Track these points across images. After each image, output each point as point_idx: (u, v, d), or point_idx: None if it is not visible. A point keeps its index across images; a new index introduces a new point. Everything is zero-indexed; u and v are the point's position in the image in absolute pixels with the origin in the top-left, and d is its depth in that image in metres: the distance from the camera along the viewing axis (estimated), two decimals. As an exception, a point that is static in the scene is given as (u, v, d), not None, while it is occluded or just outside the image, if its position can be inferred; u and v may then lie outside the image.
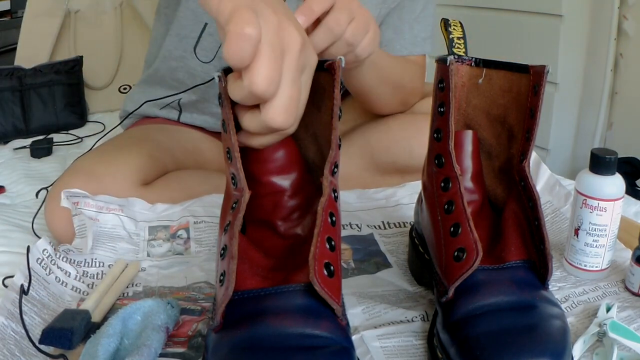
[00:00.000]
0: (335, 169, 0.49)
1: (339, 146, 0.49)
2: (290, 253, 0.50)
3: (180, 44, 0.97)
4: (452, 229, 0.52)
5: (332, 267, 0.45)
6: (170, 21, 0.99)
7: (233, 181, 0.49)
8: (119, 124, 1.06)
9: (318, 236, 0.45)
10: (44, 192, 0.89)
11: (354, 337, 0.55)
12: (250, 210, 0.52)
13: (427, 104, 0.95)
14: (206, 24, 0.94)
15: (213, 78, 0.93)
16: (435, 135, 0.57)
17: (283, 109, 0.44)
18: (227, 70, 0.47)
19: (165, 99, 1.00)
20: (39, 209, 0.81)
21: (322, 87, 0.50)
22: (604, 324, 0.54)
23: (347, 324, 0.48)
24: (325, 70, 0.50)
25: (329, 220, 0.46)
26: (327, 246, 0.46)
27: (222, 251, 0.47)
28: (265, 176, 0.52)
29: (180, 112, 1.01)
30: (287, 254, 0.50)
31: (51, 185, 0.81)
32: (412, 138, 0.89)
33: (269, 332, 0.43)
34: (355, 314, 0.60)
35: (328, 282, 0.44)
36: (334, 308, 0.45)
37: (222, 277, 0.46)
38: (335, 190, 0.49)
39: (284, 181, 0.52)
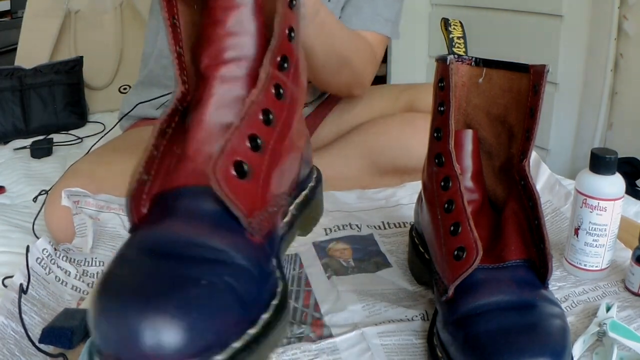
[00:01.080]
0: (286, 65, 0.43)
1: (289, 37, 0.43)
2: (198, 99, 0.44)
3: None
4: (452, 228, 0.52)
5: (245, 167, 0.39)
6: (160, 20, 0.99)
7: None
8: (116, 124, 1.07)
9: (236, 130, 0.39)
10: (42, 195, 0.89)
11: (354, 333, 0.56)
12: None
13: (426, 101, 0.95)
14: None
15: None
16: (435, 134, 0.57)
17: None
18: None
19: (159, 98, 1.00)
20: (39, 211, 0.81)
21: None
22: (604, 324, 0.54)
23: (272, 248, 0.41)
24: None
25: (260, 117, 0.41)
26: (248, 144, 0.39)
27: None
28: None
29: None
30: (204, 100, 0.43)
31: (51, 188, 0.81)
32: (411, 138, 0.89)
33: (168, 237, 0.38)
34: (355, 310, 0.60)
35: (235, 183, 0.38)
36: (239, 217, 0.38)
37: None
38: (281, 87, 0.43)
39: (226, 13, 0.44)
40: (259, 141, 0.40)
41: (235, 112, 0.42)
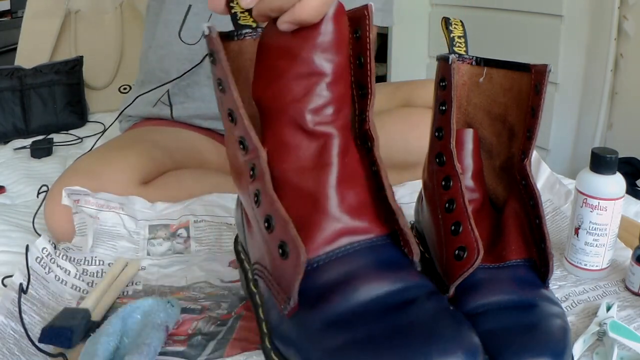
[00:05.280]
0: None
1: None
2: (320, 159, 0.45)
3: (167, 30, 0.99)
4: (452, 227, 0.52)
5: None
6: (158, 12, 1.01)
7: (242, 146, 0.43)
8: (115, 119, 1.07)
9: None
10: (44, 192, 0.89)
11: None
12: (275, 98, 0.45)
13: (422, 97, 0.95)
14: (190, 6, 0.96)
15: (202, 60, 0.94)
16: (436, 133, 0.57)
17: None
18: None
19: (156, 94, 1.00)
20: (39, 207, 0.81)
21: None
22: (604, 323, 0.54)
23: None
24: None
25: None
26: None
27: (267, 224, 0.43)
28: (305, 52, 0.43)
29: (171, 107, 1.01)
30: (316, 161, 0.45)
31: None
32: (408, 133, 0.90)
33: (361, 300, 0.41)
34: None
35: None
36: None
37: (282, 250, 0.42)
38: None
39: (327, 63, 0.44)
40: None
41: None
